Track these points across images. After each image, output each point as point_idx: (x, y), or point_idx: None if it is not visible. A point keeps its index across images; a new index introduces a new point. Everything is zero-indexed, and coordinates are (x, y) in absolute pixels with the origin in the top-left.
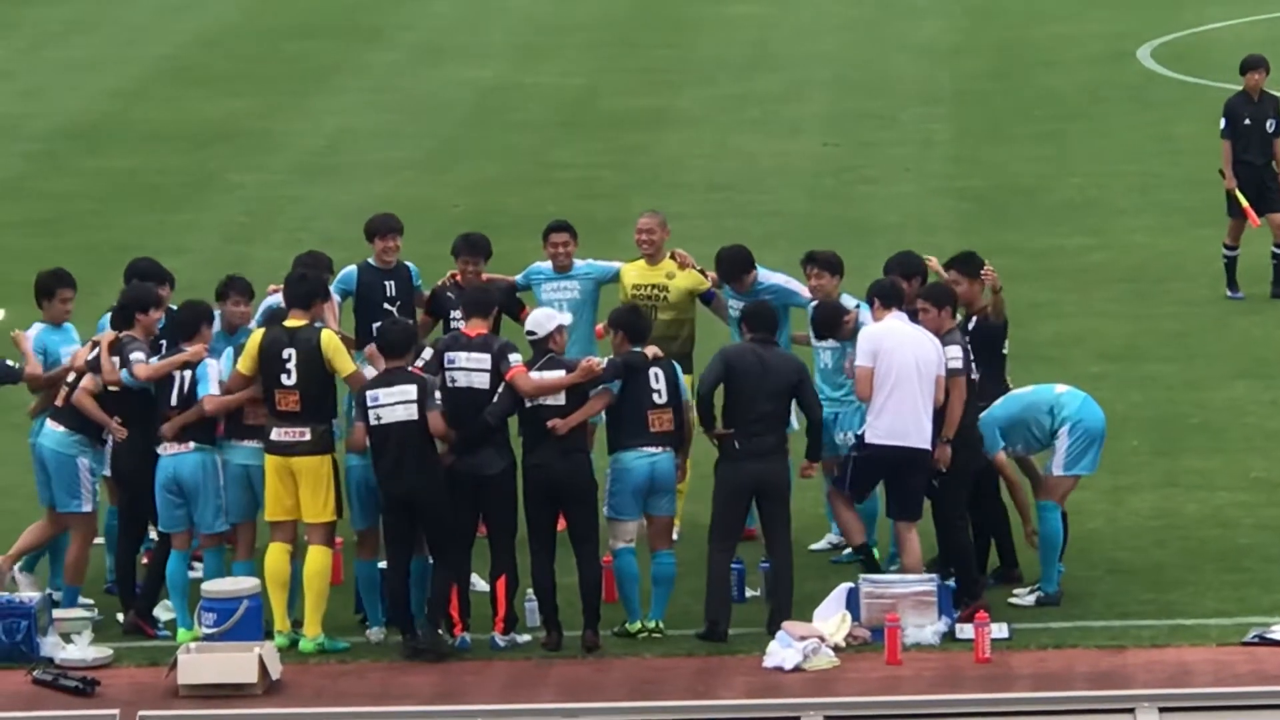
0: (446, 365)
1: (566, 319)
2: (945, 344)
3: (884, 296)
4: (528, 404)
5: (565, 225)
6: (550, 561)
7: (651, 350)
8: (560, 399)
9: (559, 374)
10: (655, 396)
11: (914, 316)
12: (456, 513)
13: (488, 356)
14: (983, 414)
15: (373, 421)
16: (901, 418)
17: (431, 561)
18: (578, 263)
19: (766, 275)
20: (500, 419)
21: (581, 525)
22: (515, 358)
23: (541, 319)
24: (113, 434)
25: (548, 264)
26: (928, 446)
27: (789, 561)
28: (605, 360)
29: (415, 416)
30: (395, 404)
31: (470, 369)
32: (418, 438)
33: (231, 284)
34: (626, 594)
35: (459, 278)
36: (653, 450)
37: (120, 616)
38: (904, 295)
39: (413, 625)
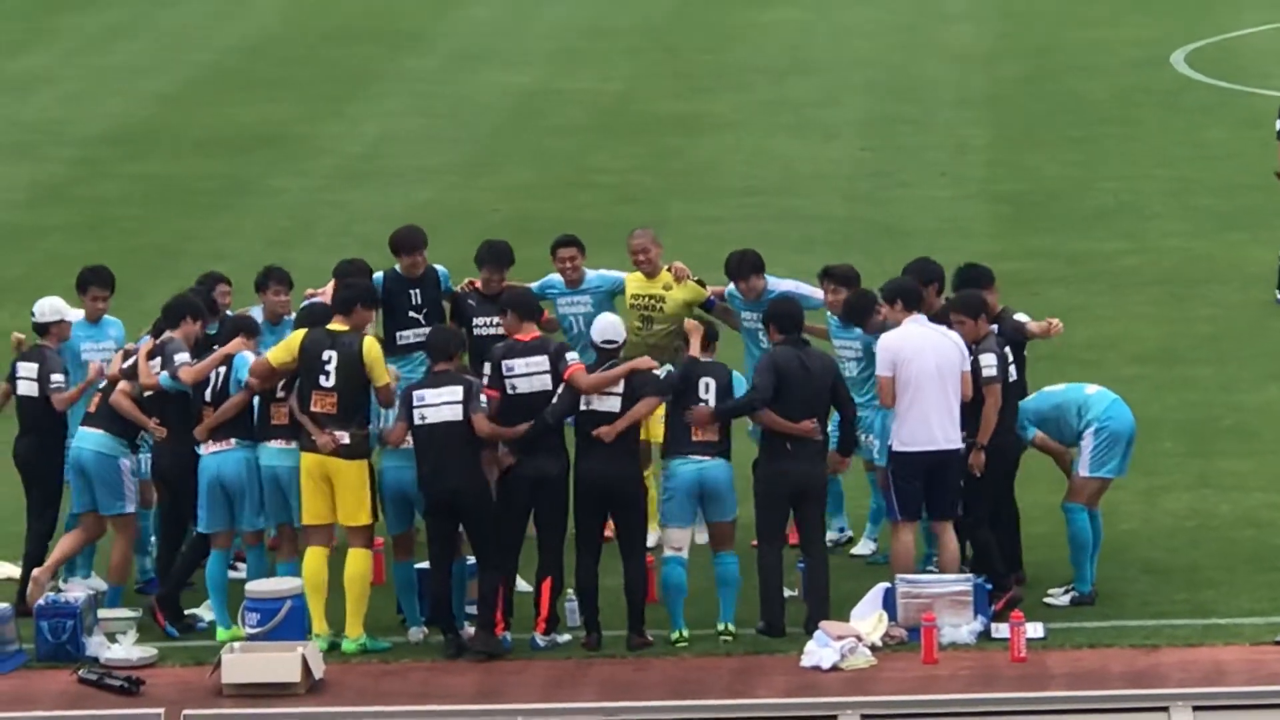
0: (506, 373)
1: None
2: (981, 352)
3: (905, 298)
4: (583, 407)
5: (571, 240)
6: (595, 564)
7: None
8: (615, 406)
9: (610, 373)
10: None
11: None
12: (509, 514)
13: (545, 358)
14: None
15: (417, 421)
16: (926, 423)
17: (472, 562)
18: (589, 274)
19: (776, 283)
20: (559, 419)
21: (629, 530)
22: (572, 356)
23: (618, 325)
24: (152, 434)
25: (560, 277)
26: (956, 447)
27: (825, 562)
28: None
29: (460, 417)
30: (441, 404)
31: (529, 373)
32: (461, 439)
33: (270, 274)
34: (671, 603)
35: (478, 285)
36: (700, 458)
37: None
38: (923, 297)
39: (454, 625)
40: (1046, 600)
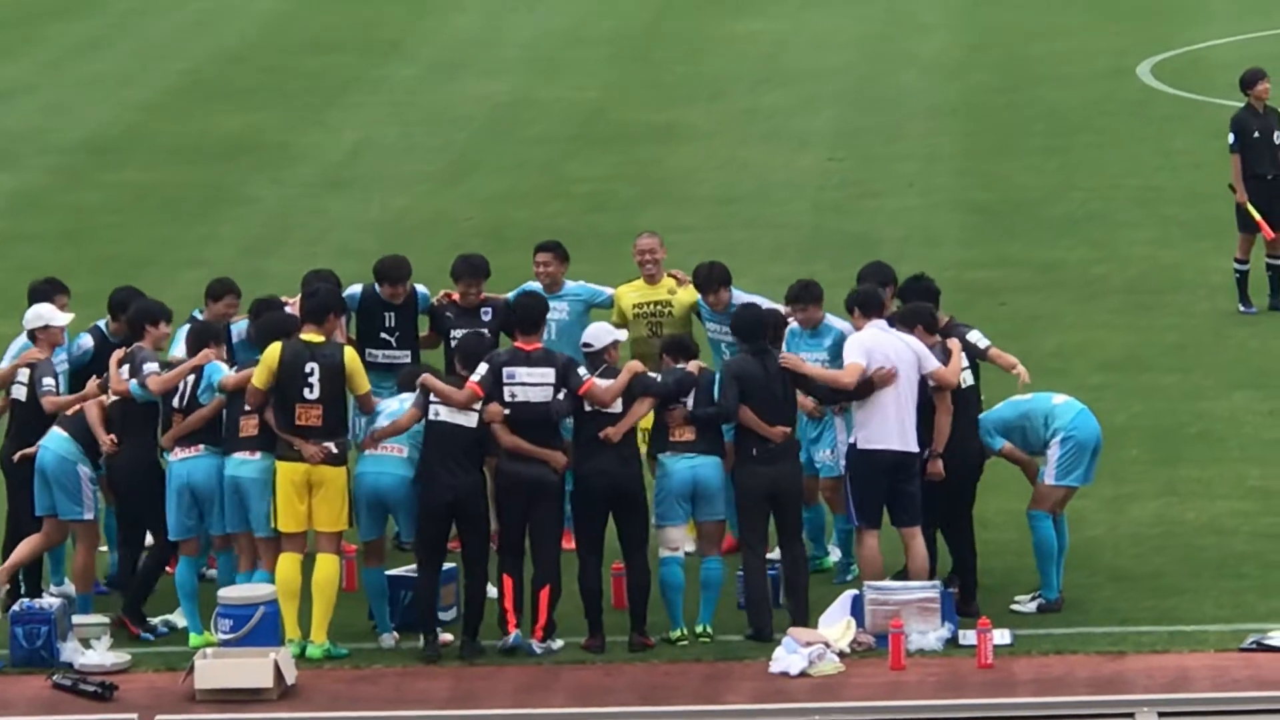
0: (506, 380)
1: (622, 335)
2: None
3: (864, 306)
4: (586, 409)
5: (550, 246)
6: (599, 566)
7: (694, 366)
8: (618, 407)
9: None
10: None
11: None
12: (508, 517)
13: (551, 370)
14: (982, 414)
15: (431, 416)
16: (887, 423)
17: (448, 567)
18: (568, 284)
19: (740, 297)
20: (564, 416)
21: (634, 532)
22: (584, 371)
23: (599, 333)
24: (103, 446)
25: (538, 284)
26: (915, 450)
27: (805, 566)
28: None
29: (472, 423)
30: None
31: (530, 384)
32: (469, 442)
33: (266, 306)
34: (670, 603)
35: (454, 297)
36: (692, 456)
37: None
38: (883, 304)
39: (435, 630)
40: (1013, 607)
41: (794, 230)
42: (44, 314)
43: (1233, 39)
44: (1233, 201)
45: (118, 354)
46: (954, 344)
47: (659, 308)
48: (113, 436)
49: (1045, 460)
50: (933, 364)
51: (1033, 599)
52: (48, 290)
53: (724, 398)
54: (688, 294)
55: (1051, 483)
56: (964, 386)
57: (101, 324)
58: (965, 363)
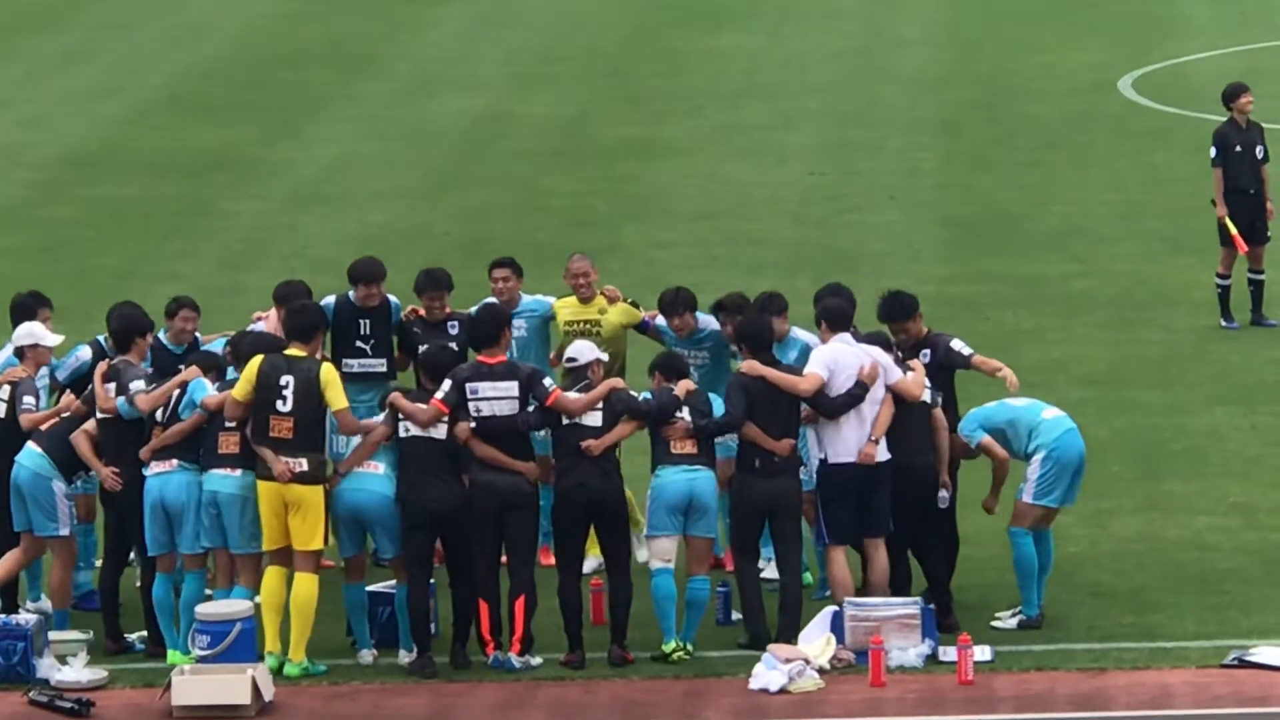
0: (470, 395)
1: (605, 356)
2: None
3: (831, 320)
4: (565, 422)
5: (506, 261)
6: (578, 580)
7: (682, 387)
8: (598, 420)
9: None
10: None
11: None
12: (483, 532)
13: (515, 384)
14: (971, 410)
15: (401, 433)
16: (851, 435)
17: (441, 580)
18: (525, 298)
19: (707, 321)
20: (532, 429)
21: (614, 545)
22: (549, 382)
23: (584, 349)
24: (104, 481)
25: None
26: (884, 459)
27: (799, 580)
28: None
29: (442, 435)
30: None
31: (494, 397)
32: (443, 454)
33: (249, 334)
34: (664, 613)
35: (420, 313)
36: (692, 469)
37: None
38: (849, 319)
39: (429, 645)
40: (994, 624)
41: (775, 246)
42: (36, 333)
43: (1214, 53)
44: (1214, 216)
45: (101, 367)
46: (915, 364)
47: (588, 326)
48: (115, 469)
49: (1025, 475)
50: (896, 375)
51: (1013, 615)
52: (31, 304)
53: (731, 408)
54: (618, 313)
55: (1029, 500)
56: (917, 403)
57: (101, 338)
58: (926, 381)
